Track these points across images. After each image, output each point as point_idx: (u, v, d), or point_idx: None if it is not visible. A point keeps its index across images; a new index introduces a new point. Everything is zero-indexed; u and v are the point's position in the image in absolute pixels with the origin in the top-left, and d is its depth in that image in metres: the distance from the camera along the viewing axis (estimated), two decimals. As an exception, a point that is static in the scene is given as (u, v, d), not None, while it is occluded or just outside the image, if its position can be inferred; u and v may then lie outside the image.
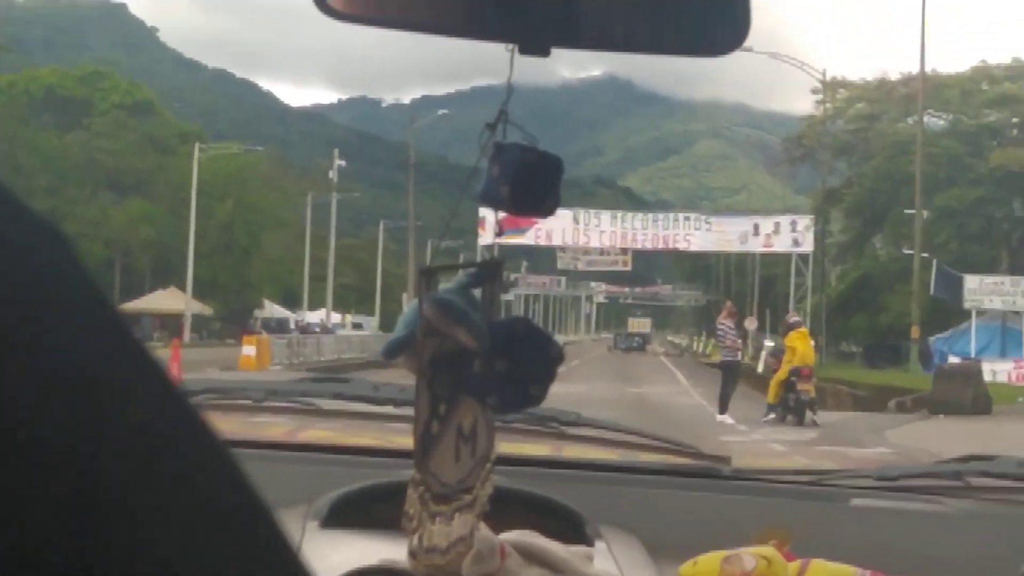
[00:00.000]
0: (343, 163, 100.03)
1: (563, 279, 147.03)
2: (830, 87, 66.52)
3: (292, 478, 2.49)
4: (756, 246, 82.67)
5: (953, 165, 62.05)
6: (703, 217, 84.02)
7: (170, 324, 79.55)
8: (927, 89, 58.81)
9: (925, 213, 52.69)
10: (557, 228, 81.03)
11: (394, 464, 2.52)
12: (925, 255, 53.39)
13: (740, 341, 31.15)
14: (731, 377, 30.25)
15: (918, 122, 52.91)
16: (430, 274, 1.60)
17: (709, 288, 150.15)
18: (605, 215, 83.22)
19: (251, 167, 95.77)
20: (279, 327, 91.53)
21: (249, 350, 42.59)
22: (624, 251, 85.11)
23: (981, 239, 64.99)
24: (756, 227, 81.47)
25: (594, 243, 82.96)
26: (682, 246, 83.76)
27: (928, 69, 65.88)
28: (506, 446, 2.48)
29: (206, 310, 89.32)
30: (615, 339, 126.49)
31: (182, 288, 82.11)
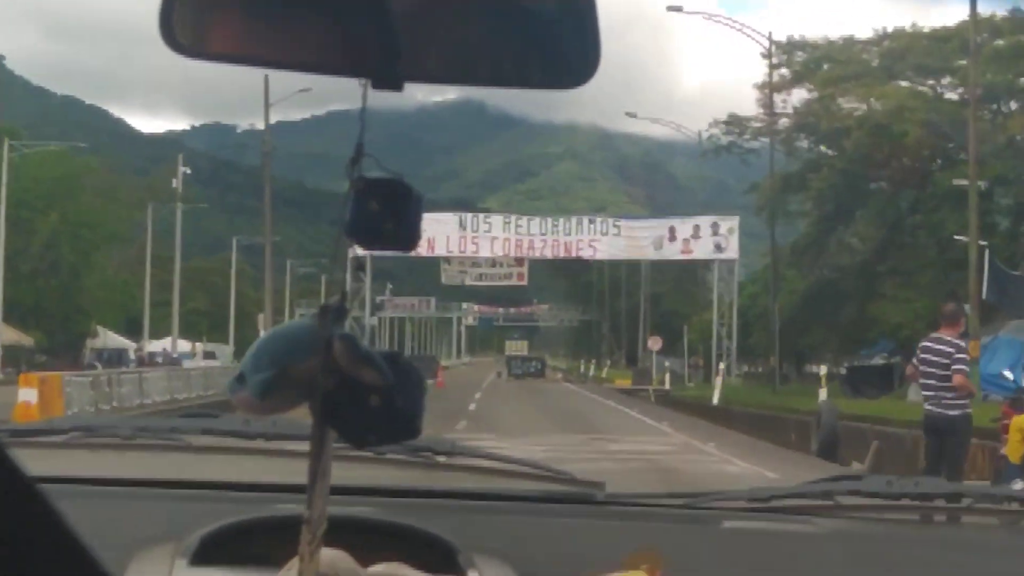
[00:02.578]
0: (187, 170, 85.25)
1: (432, 300, 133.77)
2: (784, 48, 53.35)
3: (160, 515, 2.46)
4: (673, 252, 69.90)
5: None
6: (611, 220, 70.92)
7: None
8: (911, 47, 45.96)
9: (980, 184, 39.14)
10: (440, 235, 67.13)
11: (265, 499, 2.55)
12: (955, 238, 40.23)
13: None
14: (964, 437, 16.29)
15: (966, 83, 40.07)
16: (339, 311, 1.49)
17: (588, 307, 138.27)
18: (496, 219, 69.46)
19: (80, 174, 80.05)
20: (116, 359, 77.97)
21: (28, 395, 27.78)
22: (519, 261, 71.08)
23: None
24: (672, 231, 68.72)
25: (484, 252, 68.95)
26: (587, 254, 70.37)
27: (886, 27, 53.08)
28: (380, 477, 2.68)
29: (25, 340, 73.48)
30: (508, 364, 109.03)
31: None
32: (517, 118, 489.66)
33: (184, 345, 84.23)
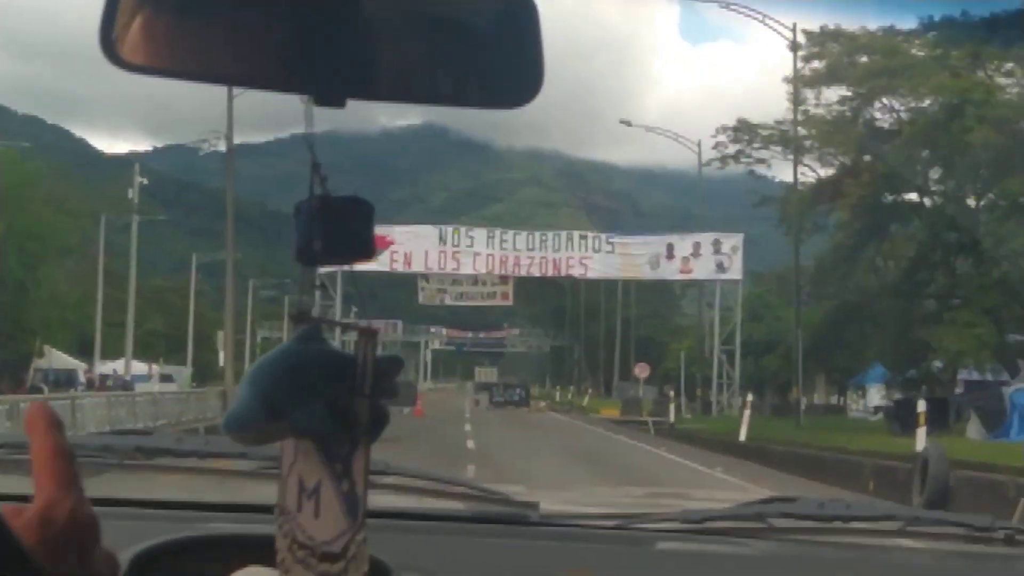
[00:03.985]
0: (144, 180, 78.53)
1: (400, 323, 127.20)
2: (816, 40, 47.05)
3: None
4: (671, 272, 63.77)
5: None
6: (603, 236, 64.55)
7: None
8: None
9: None
10: (418, 250, 60.84)
11: (199, 518, 2.56)
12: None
13: None
14: None
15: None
16: (371, 334, 1.47)
17: (561, 333, 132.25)
18: (480, 233, 63.20)
19: (29, 181, 73.02)
20: (65, 380, 71.07)
21: None
22: (504, 279, 64.48)
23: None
24: (670, 248, 62.57)
25: (466, 269, 62.52)
26: (577, 272, 64.05)
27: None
28: None
29: (-37, 359, 66.57)
30: (489, 391, 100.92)
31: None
32: (479, 143, 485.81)
33: (140, 367, 77.32)
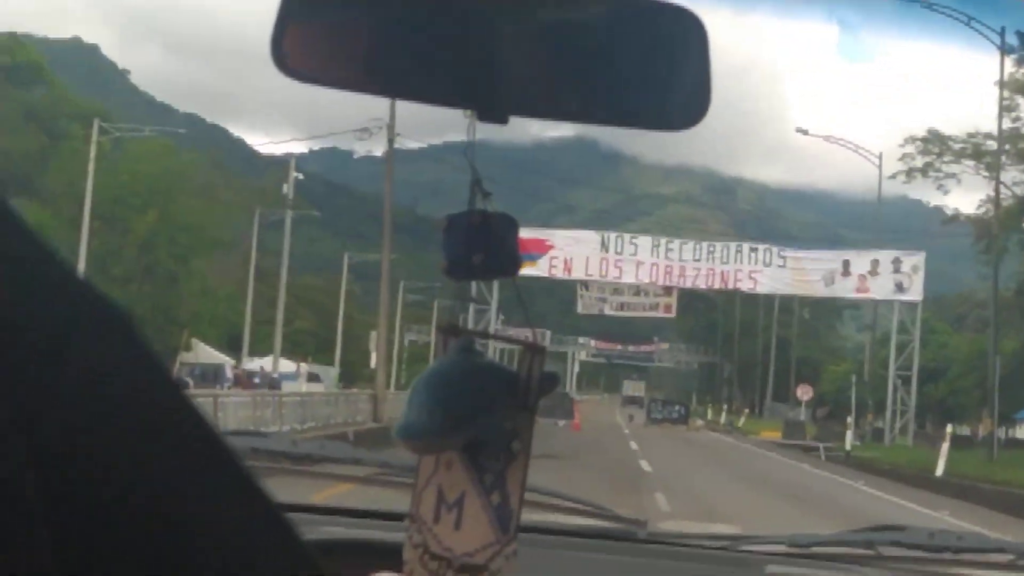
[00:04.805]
0: (299, 175, 76.44)
1: (548, 333, 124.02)
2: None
3: None
4: (846, 290, 59.76)
5: None
6: (776, 249, 60.45)
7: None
8: None
9: None
10: (579, 256, 57.60)
11: (311, 521, 2.56)
12: None
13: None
14: None
15: None
16: (538, 350, 1.48)
17: (710, 349, 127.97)
18: (644, 241, 59.68)
19: (183, 171, 71.28)
20: (211, 376, 69.27)
21: None
22: (667, 290, 60.97)
23: None
24: (846, 265, 58.49)
25: (628, 277, 59.08)
26: (746, 286, 60.19)
27: None
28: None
29: (112, 350, 64.81)
30: (647, 408, 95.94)
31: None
32: (629, 157, 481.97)
33: (288, 365, 75.10)
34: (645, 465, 32.22)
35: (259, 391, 37.57)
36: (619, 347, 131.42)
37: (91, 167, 52.85)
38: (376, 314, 51.88)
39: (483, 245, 1.43)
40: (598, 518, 3.22)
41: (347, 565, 1.49)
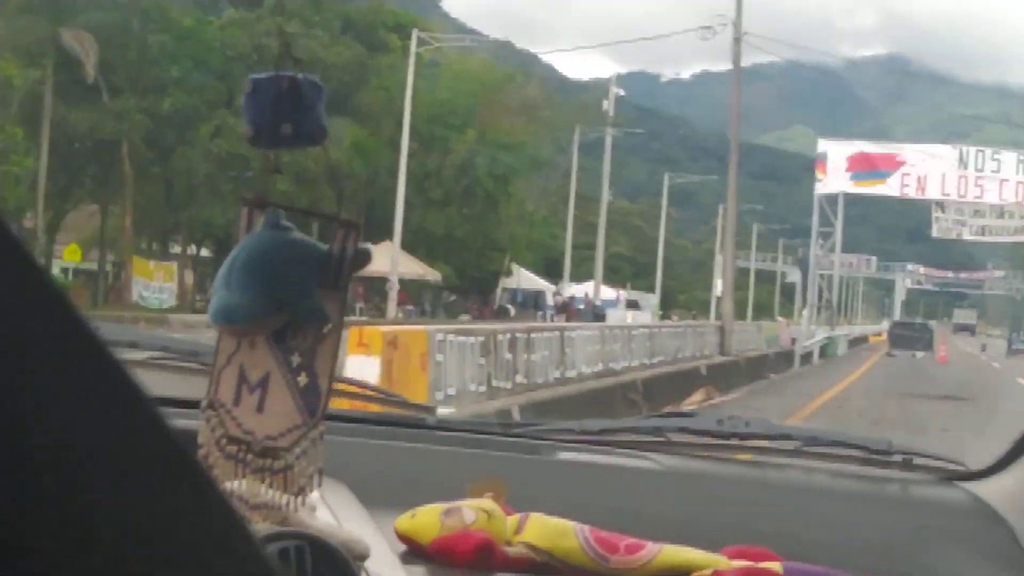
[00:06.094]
0: (620, 91, 72.29)
1: (874, 259, 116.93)
2: None
3: None
4: None
5: None
6: None
7: (382, 291, 53.53)
8: None
9: None
10: (933, 173, 51.41)
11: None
12: None
13: None
14: None
15: None
16: (352, 226, 1.46)
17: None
18: (1008, 156, 52.78)
19: (502, 86, 67.82)
20: (532, 302, 66.08)
21: (365, 367, 14.13)
22: (1035, 212, 54.16)
23: None
24: None
25: (990, 197, 52.62)
26: None
27: None
28: None
29: (431, 275, 61.96)
30: (1009, 338, 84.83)
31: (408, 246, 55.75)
32: (943, 76, 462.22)
33: (608, 292, 71.47)
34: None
35: (607, 325, 33.56)
36: (950, 274, 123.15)
37: (410, 78, 49.57)
38: (702, 241, 47.37)
39: (291, 112, 1.41)
40: (386, 404, 3.22)
41: None
